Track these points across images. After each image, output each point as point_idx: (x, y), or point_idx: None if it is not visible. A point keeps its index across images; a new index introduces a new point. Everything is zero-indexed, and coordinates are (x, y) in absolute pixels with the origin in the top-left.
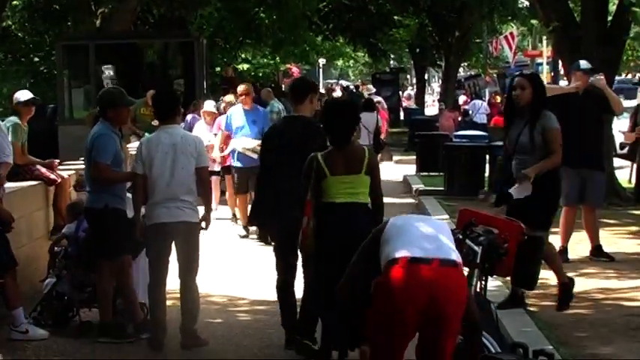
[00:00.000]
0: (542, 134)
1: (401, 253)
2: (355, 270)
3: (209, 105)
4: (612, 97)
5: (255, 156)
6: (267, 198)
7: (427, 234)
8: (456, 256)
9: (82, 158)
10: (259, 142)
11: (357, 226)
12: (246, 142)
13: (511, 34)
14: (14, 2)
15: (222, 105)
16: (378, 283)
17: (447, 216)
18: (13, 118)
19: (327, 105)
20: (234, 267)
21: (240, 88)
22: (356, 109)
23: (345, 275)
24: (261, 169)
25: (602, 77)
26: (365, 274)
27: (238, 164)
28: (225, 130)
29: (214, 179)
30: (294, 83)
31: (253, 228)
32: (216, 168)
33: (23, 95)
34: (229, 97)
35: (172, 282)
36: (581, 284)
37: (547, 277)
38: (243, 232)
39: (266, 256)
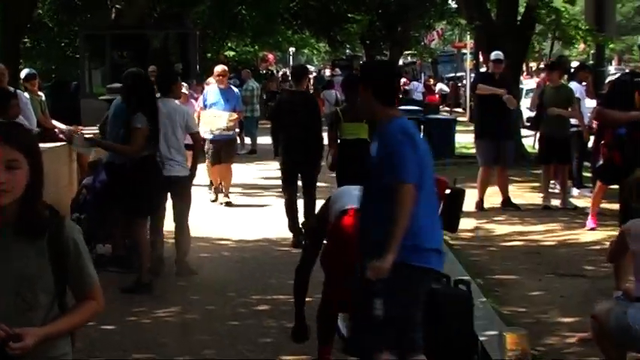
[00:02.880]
0: None
1: (347, 206)
2: (320, 218)
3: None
4: (509, 100)
5: (230, 132)
6: (280, 143)
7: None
8: None
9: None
10: (229, 116)
11: (360, 151)
12: (219, 122)
13: (442, 29)
14: None
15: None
16: (331, 229)
17: None
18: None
19: (347, 79)
20: (221, 215)
21: (218, 69)
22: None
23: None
24: (276, 125)
25: (509, 96)
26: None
27: (211, 137)
28: (202, 105)
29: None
30: (296, 68)
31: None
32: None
33: (24, 73)
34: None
35: (169, 224)
36: (494, 228)
37: (465, 225)
38: (213, 197)
39: (247, 210)
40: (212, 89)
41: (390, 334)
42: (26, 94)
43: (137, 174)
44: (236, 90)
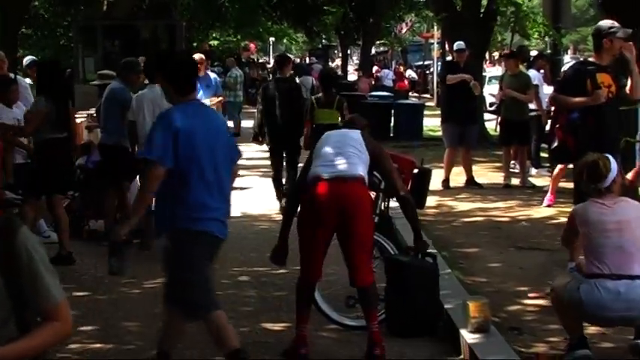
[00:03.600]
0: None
1: (317, 174)
2: (304, 172)
3: None
4: (475, 86)
5: None
6: (266, 125)
7: (337, 153)
8: (360, 170)
9: (94, 108)
10: (210, 101)
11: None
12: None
13: (410, 20)
14: None
15: None
16: (303, 198)
17: None
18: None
19: (322, 73)
20: None
21: (195, 57)
22: (335, 77)
23: (299, 175)
24: (263, 107)
25: (475, 82)
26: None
27: None
28: None
29: None
30: (280, 57)
31: None
32: None
33: (26, 61)
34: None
35: None
36: (459, 205)
37: (431, 202)
38: None
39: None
40: None
41: (181, 295)
42: (28, 80)
43: (40, 155)
44: (214, 76)
